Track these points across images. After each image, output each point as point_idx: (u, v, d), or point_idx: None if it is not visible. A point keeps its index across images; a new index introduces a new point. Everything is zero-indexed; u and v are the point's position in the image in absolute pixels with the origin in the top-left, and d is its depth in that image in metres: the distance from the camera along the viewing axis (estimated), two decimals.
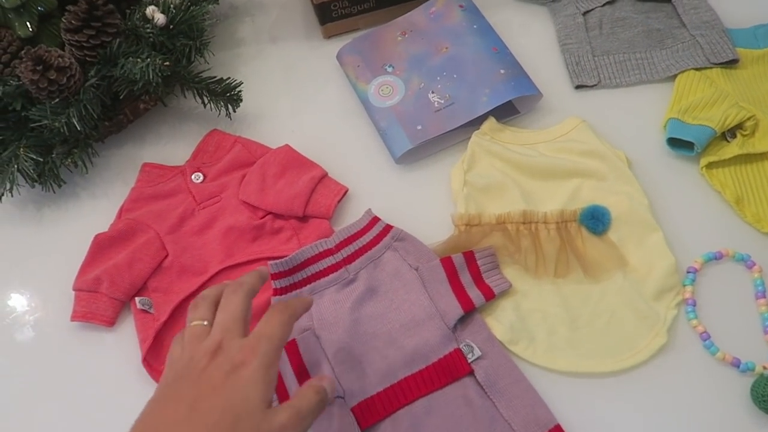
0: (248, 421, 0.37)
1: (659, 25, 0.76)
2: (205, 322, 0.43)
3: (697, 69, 0.72)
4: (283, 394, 0.56)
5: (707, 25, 0.75)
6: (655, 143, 0.69)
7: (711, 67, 0.72)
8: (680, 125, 0.67)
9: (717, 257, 0.62)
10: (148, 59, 0.63)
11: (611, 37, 0.76)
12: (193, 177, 0.68)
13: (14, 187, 0.63)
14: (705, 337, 0.58)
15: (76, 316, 0.60)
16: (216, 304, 0.45)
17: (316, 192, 0.65)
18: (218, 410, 0.37)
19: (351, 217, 0.66)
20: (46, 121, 0.61)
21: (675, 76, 0.73)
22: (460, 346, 0.57)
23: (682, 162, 0.68)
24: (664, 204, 0.65)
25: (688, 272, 0.61)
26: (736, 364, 0.56)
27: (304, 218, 0.65)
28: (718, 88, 0.70)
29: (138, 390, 0.58)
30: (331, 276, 0.61)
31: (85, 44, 0.62)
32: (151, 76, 0.62)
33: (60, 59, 0.60)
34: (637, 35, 0.76)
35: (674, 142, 0.68)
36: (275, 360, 0.41)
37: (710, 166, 0.66)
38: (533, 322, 0.59)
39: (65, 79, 0.60)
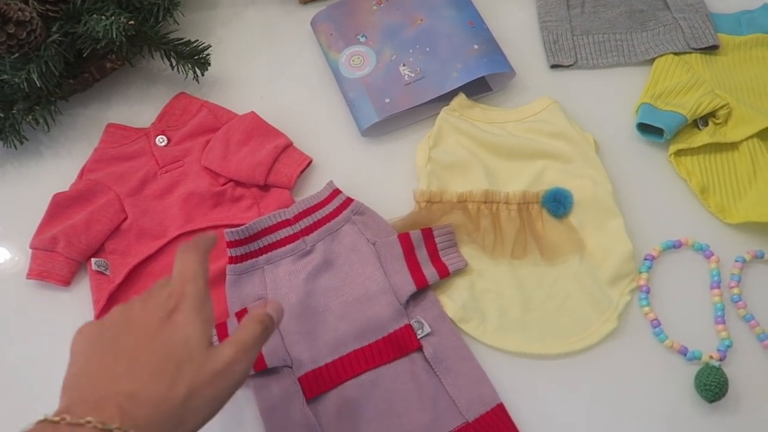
0: (191, 363, 0.37)
1: (642, 6, 0.75)
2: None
3: (676, 53, 0.71)
4: None
5: (691, 8, 0.73)
6: (625, 128, 0.68)
7: (691, 52, 0.71)
8: (652, 110, 0.66)
9: (676, 246, 0.62)
10: (113, 17, 0.61)
11: (593, 16, 0.75)
12: (157, 140, 0.67)
13: None
14: (655, 324, 0.58)
15: (32, 275, 0.60)
16: None
17: (279, 161, 0.65)
18: (159, 358, 0.36)
19: (313, 188, 0.66)
20: (6, 76, 0.60)
21: (653, 60, 0.71)
22: (411, 322, 0.58)
23: (651, 148, 0.67)
24: (629, 190, 0.65)
25: (645, 259, 0.61)
26: (683, 352, 0.57)
27: (265, 187, 0.65)
28: (694, 74, 0.69)
29: None
30: (288, 246, 0.61)
31: None
32: (114, 35, 0.61)
33: (20, 13, 0.59)
34: (619, 15, 0.74)
35: (645, 128, 0.67)
36: (206, 298, 0.40)
37: (679, 153, 0.66)
38: (486, 301, 0.59)
39: (25, 34, 0.59)
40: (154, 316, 0.38)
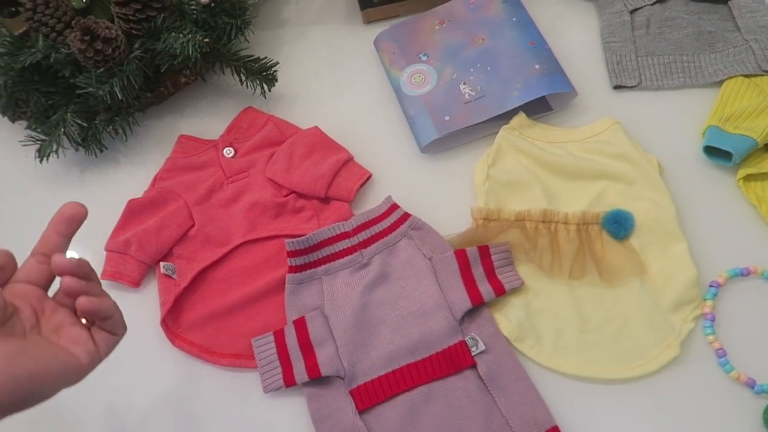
0: None
1: (711, 27, 0.73)
2: None
3: (746, 76, 0.69)
4: (286, 365, 0.58)
5: (764, 30, 0.71)
6: (691, 151, 0.67)
7: (762, 75, 0.69)
8: (720, 133, 0.64)
9: (744, 273, 0.59)
10: (189, 35, 0.65)
11: (658, 37, 0.74)
12: (224, 152, 0.70)
13: (60, 149, 0.67)
14: (721, 354, 0.56)
15: (105, 275, 0.64)
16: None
17: (339, 175, 0.67)
18: None
19: (372, 202, 0.67)
20: (91, 89, 0.64)
21: (722, 82, 0.70)
22: (466, 339, 0.58)
23: (719, 172, 0.65)
24: (695, 214, 0.63)
25: (710, 286, 0.59)
26: (750, 384, 0.54)
27: (326, 199, 0.67)
28: (766, 97, 0.67)
29: (154, 348, 0.62)
30: (346, 258, 0.62)
31: (131, 17, 0.65)
32: (190, 52, 0.65)
33: (107, 30, 0.63)
34: (686, 37, 0.73)
35: (712, 151, 0.65)
36: None
37: (748, 178, 0.64)
38: (542, 321, 0.59)
39: (111, 50, 0.63)
40: None
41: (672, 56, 0.72)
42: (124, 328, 0.46)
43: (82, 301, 0.41)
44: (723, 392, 0.55)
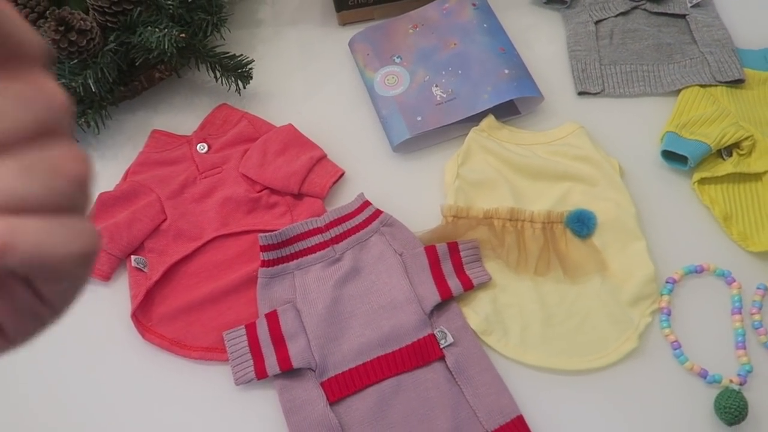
0: None
1: (670, 40, 0.77)
2: None
3: (702, 86, 0.73)
4: (258, 357, 0.58)
5: (718, 43, 0.75)
6: (650, 155, 0.70)
7: (716, 85, 0.73)
8: (677, 139, 0.68)
9: (698, 270, 0.63)
10: (165, 30, 0.65)
11: (621, 47, 0.77)
12: (198, 147, 0.70)
13: None
14: (676, 346, 0.59)
15: None
16: None
17: (313, 172, 0.68)
18: None
19: (345, 199, 0.68)
20: (63, 80, 0.64)
21: (679, 91, 0.73)
22: (434, 332, 0.59)
23: (675, 175, 0.69)
24: (653, 214, 0.66)
25: (666, 282, 0.62)
26: (703, 375, 0.57)
27: (299, 196, 0.68)
28: (720, 106, 0.71)
29: (124, 341, 0.61)
30: (318, 253, 0.63)
31: (107, 10, 0.65)
32: (166, 46, 0.65)
33: (82, 22, 0.63)
34: (646, 48, 0.77)
35: (669, 155, 0.68)
36: None
37: (702, 181, 0.67)
38: (509, 315, 0.61)
39: (85, 42, 0.63)
40: None
41: (633, 65, 0.76)
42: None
43: None
44: (678, 382, 0.58)
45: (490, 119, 0.71)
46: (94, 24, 0.64)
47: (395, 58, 0.74)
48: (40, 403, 0.59)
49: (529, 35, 0.79)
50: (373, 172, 0.70)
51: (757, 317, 0.60)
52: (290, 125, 0.71)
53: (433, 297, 0.60)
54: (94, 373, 0.60)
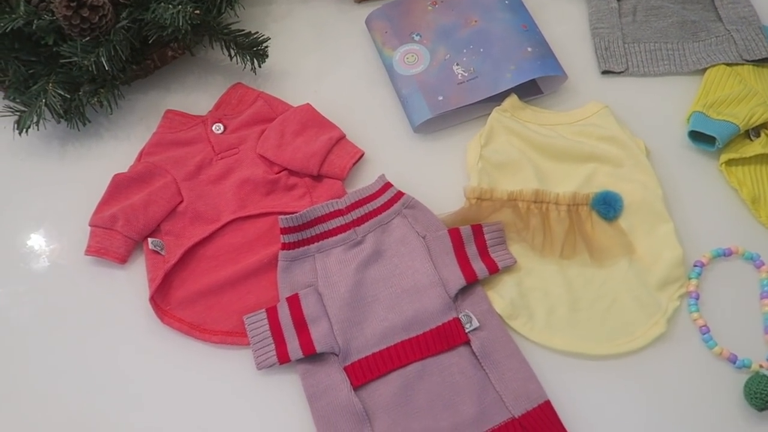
0: None
1: (695, 17, 0.75)
2: None
3: (728, 64, 0.71)
4: (280, 341, 0.57)
5: (744, 20, 0.74)
6: (676, 135, 0.68)
7: (743, 64, 0.71)
8: (704, 119, 0.66)
9: (726, 254, 0.61)
10: (179, 6, 0.63)
11: (644, 25, 0.75)
12: (213, 127, 0.69)
13: (41, 121, 0.65)
14: (704, 330, 0.58)
15: (90, 251, 0.62)
16: None
17: (332, 152, 0.66)
18: None
19: (364, 180, 0.67)
20: (75, 59, 0.62)
21: (705, 69, 0.72)
22: (459, 316, 0.58)
23: (702, 156, 0.67)
24: (679, 196, 0.65)
25: (694, 266, 0.61)
26: (732, 360, 0.57)
27: (318, 177, 0.66)
28: (747, 85, 0.69)
29: (143, 325, 0.60)
30: (340, 236, 0.62)
31: None
32: (180, 23, 0.63)
33: None
34: (670, 25, 0.75)
35: (696, 136, 0.67)
36: None
37: (730, 163, 0.66)
38: (534, 299, 0.60)
39: (97, 18, 0.61)
40: None
41: (657, 44, 0.74)
42: None
43: None
44: (706, 367, 0.57)
45: (513, 99, 0.69)
46: (106, 0, 0.62)
47: (414, 35, 0.72)
48: (60, 386, 0.58)
49: (550, 12, 0.77)
50: (393, 153, 0.69)
51: None
52: (308, 105, 0.69)
53: (458, 280, 0.59)
54: (114, 359, 0.59)
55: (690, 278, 0.60)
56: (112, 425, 0.56)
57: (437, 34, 0.72)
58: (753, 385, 0.54)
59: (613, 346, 0.58)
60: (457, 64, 0.70)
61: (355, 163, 0.66)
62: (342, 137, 0.67)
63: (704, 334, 0.58)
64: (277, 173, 0.66)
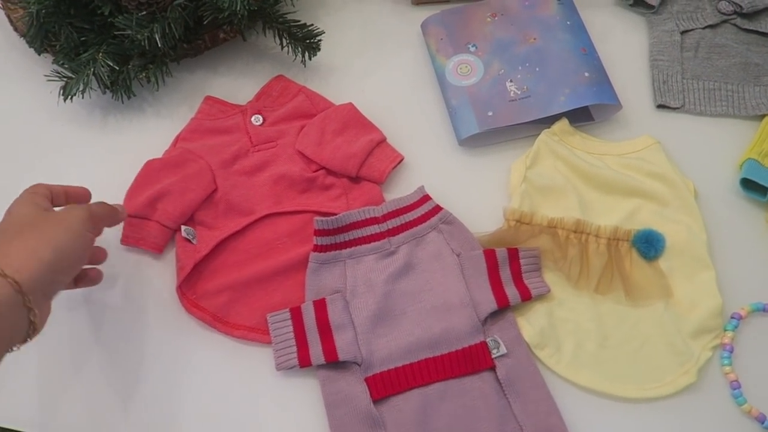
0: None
1: (759, 60, 0.73)
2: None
3: None
4: (302, 345, 0.56)
5: None
6: (727, 180, 0.67)
7: None
8: (758, 167, 0.64)
9: (765, 309, 0.60)
10: None
11: (706, 62, 0.73)
12: (252, 119, 0.67)
13: (87, 90, 0.64)
14: (735, 386, 0.56)
15: (128, 241, 0.61)
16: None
17: (372, 155, 0.65)
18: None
19: (402, 187, 0.66)
20: (129, 32, 0.61)
21: (763, 116, 0.69)
22: (487, 340, 0.57)
23: (751, 205, 0.65)
24: (723, 243, 0.63)
25: (731, 318, 0.59)
26: (761, 420, 0.55)
27: (356, 179, 0.65)
28: None
29: (168, 312, 0.59)
30: (373, 244, 0.61)
31: None
32: (237, 8, 0.62)
33: None
34: (733, 66, 0.73)
35: (747, 184, 0.65)
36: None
37: None
38: (564, 331, 0.59)
39: None
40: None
41: (717, 83, 0.72)
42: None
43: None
44: (733, 424, 0.56)
45: (564, 123, 0.67)
46: None
47: (470, 46, 0.71)
48: (83, 369, 0.58)
49: (610, 38, 0.75)
50: (434, 164, 0.67)
51: None
52: (350, 104, 0.68)
53: (490, 304, 0.58)
54: (138, 346, 0.58)
55: (726, 330, 0.59)
56: (124, 411, 0.56)
57: (494, 48, 0.70)
58: None
59: (640, 390, 0.56)
60: (511, 81, 0.68)
61: (394, 168, 0.65)
62: (383, 140, 0.66)
63: (735, 389, 0.56)
64: (314, 171, 0.65)
